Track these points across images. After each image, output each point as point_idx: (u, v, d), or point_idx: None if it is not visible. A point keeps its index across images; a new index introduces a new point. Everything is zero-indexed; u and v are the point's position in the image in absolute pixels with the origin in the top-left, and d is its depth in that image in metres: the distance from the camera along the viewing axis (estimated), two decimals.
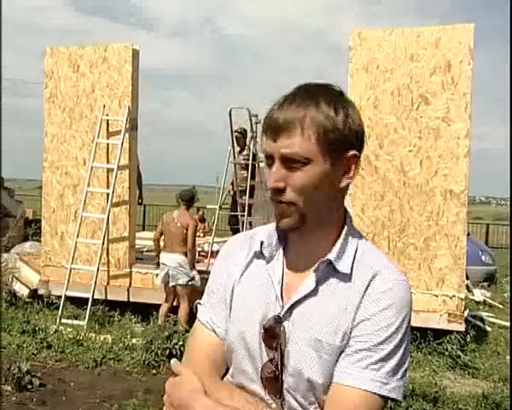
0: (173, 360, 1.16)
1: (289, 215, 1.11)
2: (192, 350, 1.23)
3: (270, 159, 1.11)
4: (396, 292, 1.10)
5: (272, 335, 1.12)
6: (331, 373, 1.08)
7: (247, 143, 9.12)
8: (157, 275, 6.53)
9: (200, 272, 6.18)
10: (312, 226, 1.13)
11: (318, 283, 1.12)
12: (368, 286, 1.10)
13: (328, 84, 1.16)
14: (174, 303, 6.26)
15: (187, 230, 6.08)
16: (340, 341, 1.08)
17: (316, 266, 1.12)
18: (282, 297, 1.14)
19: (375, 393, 1.05)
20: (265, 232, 1.22)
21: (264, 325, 1.13)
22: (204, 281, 5.17)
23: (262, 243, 1.20)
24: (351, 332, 1.09)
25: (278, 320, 1.12)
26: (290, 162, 1.08)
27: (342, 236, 1.15)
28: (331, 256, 1.12)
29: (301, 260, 1.17)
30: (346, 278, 1.12)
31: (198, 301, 1.29)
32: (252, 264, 1.22)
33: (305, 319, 1.11)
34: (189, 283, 6.02)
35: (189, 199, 6.40)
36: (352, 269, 1.12)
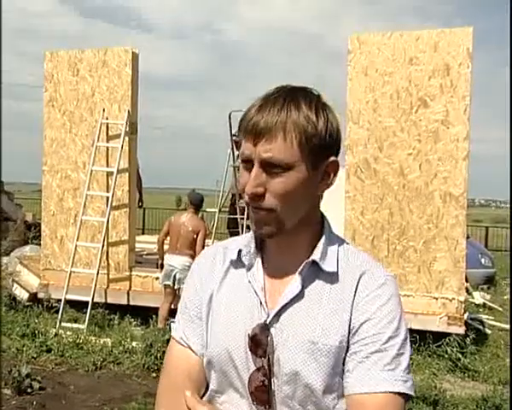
0: (187, 392, 1.10)
1: (269, 222, 1.07)
2: (170, 370, 1.18)
3: (248, 163, 1.07)
4: (389, 286, 1.09)
5: (259, 343, 1.07)
6: (330, 376, 1.05)
7: None
8: (157, 278, 6.53)
9: None
10: (291, 232, 1.10)
11: (304, 285, 1.09)
12: (358, 284, 1.08)
13: (306, 87, 1.12)
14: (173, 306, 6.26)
15: (197, 234, 6.11)
16: (337, 342, 1.05)
17: (300, 268, 1.09)
18: (266, 304, 1.11)
19: (399, 393, 1.02)
20: (241, 241, 1.19)
21: (249, 334, 1.08)
22: None
23: (240, 252, 1.16)
24: (350, 336, 1.05)
25: (265, 327, 1.08)
26: (270, 167, 1.04)
27: (323, 238, 1.13)
28: (315, 257, 1.10)
29: (282, 265, 1.13)
30: (333, 277, 1.09)
31: (172, 319, 1.27)
32: (229, 274, 1.18)
33: (296, 323, 1.07)
34: None
35: (198, 203, 6.43)
36: (337, 268, 1.10)
